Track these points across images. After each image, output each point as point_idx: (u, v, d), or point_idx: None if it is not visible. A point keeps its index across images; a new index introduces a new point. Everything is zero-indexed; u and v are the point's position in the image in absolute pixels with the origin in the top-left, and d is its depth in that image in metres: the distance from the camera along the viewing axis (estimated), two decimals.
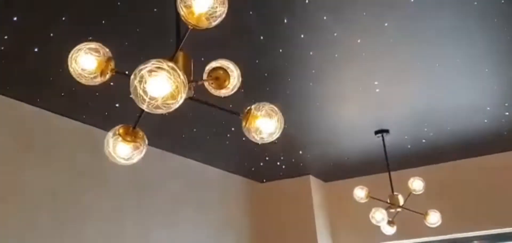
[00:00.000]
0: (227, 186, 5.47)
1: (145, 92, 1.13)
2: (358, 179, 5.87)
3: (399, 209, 4.02)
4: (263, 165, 5.22)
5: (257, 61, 2.75)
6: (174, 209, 4.46)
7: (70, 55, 1.46)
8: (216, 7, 1.29)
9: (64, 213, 3.27)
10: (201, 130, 3.91)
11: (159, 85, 1.15)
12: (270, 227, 5.84)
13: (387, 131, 4.09)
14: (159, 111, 1.17)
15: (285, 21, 2.35)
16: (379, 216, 3.93)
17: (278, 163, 5.16)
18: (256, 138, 1.54)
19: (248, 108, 1.53)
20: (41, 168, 3.16)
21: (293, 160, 5.05)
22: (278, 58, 2.73)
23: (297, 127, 3.93)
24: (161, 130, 3.81)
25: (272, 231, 5.81)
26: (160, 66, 1.15)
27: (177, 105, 1.19)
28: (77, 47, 1.46)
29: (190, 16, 1.28)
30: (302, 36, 2.50)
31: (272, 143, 1.60)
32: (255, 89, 3.13)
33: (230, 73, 1.64)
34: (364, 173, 5.81)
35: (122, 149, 1.59)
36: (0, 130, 2.93)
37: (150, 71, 1.15)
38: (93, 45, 1.47)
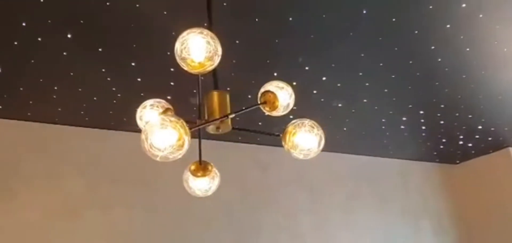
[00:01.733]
0: (412, 174, 5.17)
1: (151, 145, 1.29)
2: None
3: None
4: (446, 147, 4.79)
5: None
6: (351, 207, 4.48)
7: (136, 114, 1.72)
8: (211, 46, 1.37)
9: (239, 228, 3.70)
10: (370, 124, 3.92)
11: (164, 137, 1.29)
12: (471, 211, 5.27)
13: None
14: (170, 159, 1.31)
15: None
16: None
17: (461, 143, 4.66)
18: (299, 155, 1.53)
19: (285, 127, 1.54)
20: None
21: (477, 136, 4.49)
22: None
23: (471, 99, 3.58)
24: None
25: (474, 215, 5.23)
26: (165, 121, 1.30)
27: (184, 151, 1.31)
28: (141, 105, 1.71)
29: (192, 66, 1.39)
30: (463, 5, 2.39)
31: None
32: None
33: (277, 94, 1.67)
34: None
35: (200, 184, 1.78)
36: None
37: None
38: (151, 101, 1.70)
